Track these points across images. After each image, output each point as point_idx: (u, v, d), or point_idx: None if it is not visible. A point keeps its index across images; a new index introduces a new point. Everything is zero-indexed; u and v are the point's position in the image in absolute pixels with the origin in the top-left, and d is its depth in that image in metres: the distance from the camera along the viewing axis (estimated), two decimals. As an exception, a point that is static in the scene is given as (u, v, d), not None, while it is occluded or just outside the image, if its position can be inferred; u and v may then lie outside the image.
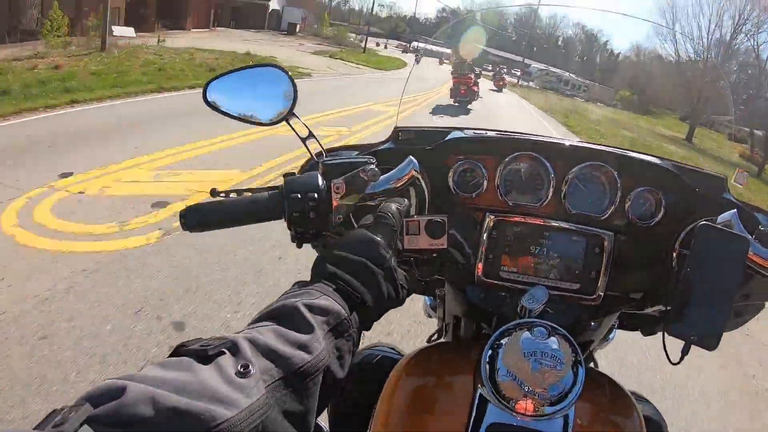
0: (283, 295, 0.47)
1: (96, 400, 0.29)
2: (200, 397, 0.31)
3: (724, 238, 0.60)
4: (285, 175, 0.62)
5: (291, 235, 0.62)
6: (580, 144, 0.84)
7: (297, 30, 31.45)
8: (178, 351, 0.37)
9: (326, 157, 0.68)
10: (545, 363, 0.54)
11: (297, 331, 0.40)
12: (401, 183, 0.67)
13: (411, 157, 0.69)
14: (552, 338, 0.57)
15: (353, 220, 0.78)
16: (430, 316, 0.96)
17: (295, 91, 0.68)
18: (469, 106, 10.67)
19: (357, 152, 0.78)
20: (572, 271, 0.76)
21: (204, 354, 0.35)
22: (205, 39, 17.46)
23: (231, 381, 0.34)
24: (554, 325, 0.59)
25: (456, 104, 10.46)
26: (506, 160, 0.78)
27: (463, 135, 0.80)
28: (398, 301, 0.53)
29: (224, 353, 0.36)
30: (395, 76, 16.47)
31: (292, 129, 0.69)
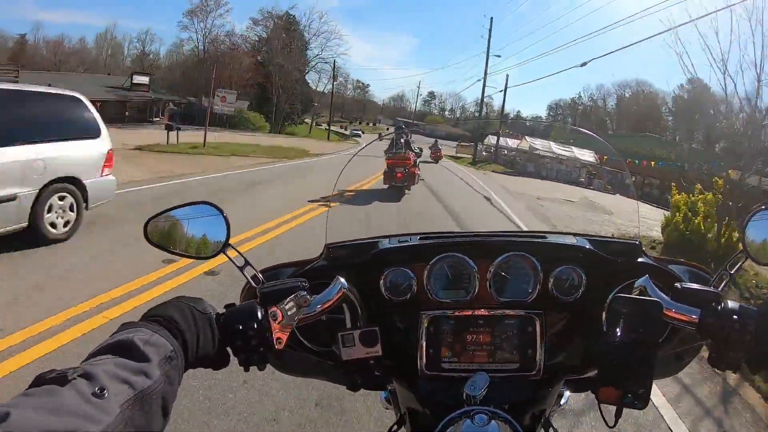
0: (115, 332, 0.53)
1: None
2: (67, 417, 0.36)
3: (638, 305, 0.64)
4: (226, 306, 0.65)
5: (238, 360, 0.64)
6: (498, 237, 0.90)
7: None
8: (38, 381, 0.41)
9: (263, 282, 0.72)
10: None
11: (136, 361, 0.47)
12: (331, 303, 0.71)
13: (339, 277, 0.74)
14: (492, 423, 0.60)
15: (299, 336, 0.81)
16: (387, 408, 0.96)
17: (228, 223, 0.74)
18: (407, 191, 9.35)
19: (294, 268, 0.83)
20: (509, 352, 0.80)
21: (64, 380, 0.40)
22: None
23: (90, 401, 0.39)
24: (494, 410, 0.63)
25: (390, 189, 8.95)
26: (431, 264, 0.83)
27: (389, 245, 0.87)
28: (216, 355, 0.59)
29: (80, 379, 0.40)
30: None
31: (230, 259, 0.73)
